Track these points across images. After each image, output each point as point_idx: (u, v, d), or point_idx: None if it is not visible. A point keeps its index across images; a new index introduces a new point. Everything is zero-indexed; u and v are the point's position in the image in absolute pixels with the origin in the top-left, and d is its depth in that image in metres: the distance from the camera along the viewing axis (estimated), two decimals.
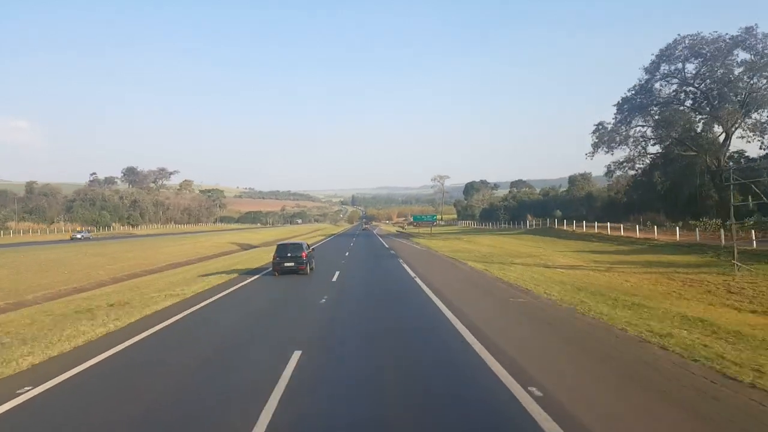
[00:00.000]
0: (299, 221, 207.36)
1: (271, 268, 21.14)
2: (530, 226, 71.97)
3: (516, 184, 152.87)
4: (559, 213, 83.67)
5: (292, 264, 20.22)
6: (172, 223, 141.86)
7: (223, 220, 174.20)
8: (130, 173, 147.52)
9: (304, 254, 20.58)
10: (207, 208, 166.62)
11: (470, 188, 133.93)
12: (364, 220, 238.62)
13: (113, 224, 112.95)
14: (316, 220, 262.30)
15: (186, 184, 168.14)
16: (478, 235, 56.48)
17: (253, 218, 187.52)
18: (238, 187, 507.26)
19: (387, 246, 41.39)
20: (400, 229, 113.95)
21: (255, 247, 75.40)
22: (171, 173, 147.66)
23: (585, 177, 71.54)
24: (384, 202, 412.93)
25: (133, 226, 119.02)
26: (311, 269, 21.55)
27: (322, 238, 67.92)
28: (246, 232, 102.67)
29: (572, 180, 72.01)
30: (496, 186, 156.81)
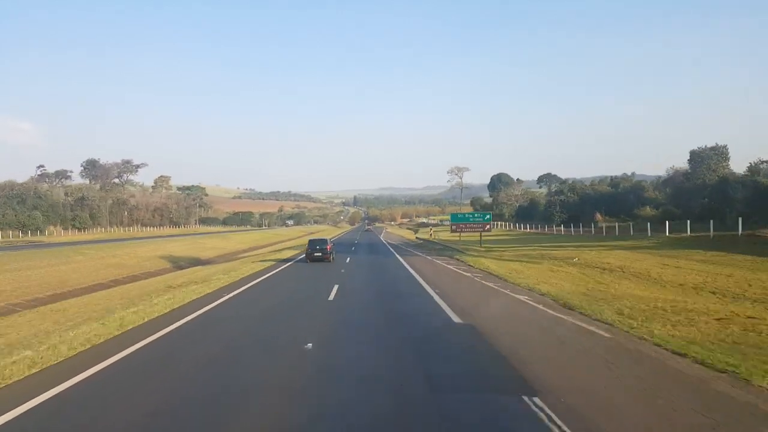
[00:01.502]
0: (290, 222, 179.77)
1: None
2: (618, 231, 44.66)
3: (545, 178, 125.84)
4: (649, 210, 56.35)
5: (320, 254, 26.64)
6: (139, 225, 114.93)
7: (205, 221, 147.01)
8: (91, 167, 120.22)
9: (328, 247, 27.27)
10: (186, 207, 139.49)
11: (496, 182, 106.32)
12: (366, 221, 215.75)
13: (51, 227, 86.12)
14: (316, 222, 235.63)
15: (162, 180, 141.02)
16: (578, 249, 29.04)
17: (241, 219, 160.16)
18: (238, 188, 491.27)
19: (456, 318, 11.62)
20: (417, 233, 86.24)
21: (205, 263, 49.05)
22: (137, 166, 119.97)
23: (719, 152, 43.67)
24: (386, 203, 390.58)
25: (80, 229, 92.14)
26: (333, 258, 27.46)
27: (292, 254, 36.06)
28: (213, 238, 75.65)
29: (698, 157, 44.27)
30: (519, 181, 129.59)
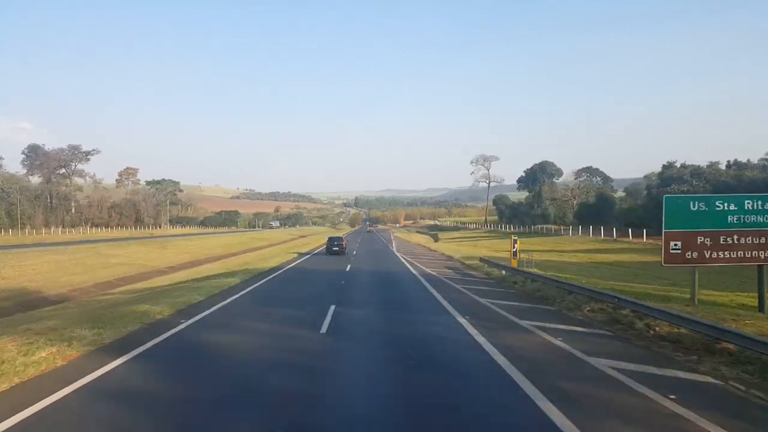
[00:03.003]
0: (274, 224, 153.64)
1: None
2: None
3: (585, 172, 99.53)
4: None
5: (337, 248, 34.66)
6: (87, 226, 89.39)
7: (180, 221, 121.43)
8: (33, 154, 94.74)
9: (344, 243, 35.85)
10: (155, 205, 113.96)
11: (538, 173, 79.94)
12: (367, 222, 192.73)
13: None
14: (314, 223, 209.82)
15: (128, 173, 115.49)
16: None
17: (224, 220, 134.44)
18: (238, 188, 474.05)
19: None
20: (438, 240, 60.24)
21: (33, 306, 21.99)
22: (87, 153, 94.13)
23: None
24: (388, 204, 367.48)
25: None
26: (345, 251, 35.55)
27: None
28: (143, 246, 49.70)
29: None
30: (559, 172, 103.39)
